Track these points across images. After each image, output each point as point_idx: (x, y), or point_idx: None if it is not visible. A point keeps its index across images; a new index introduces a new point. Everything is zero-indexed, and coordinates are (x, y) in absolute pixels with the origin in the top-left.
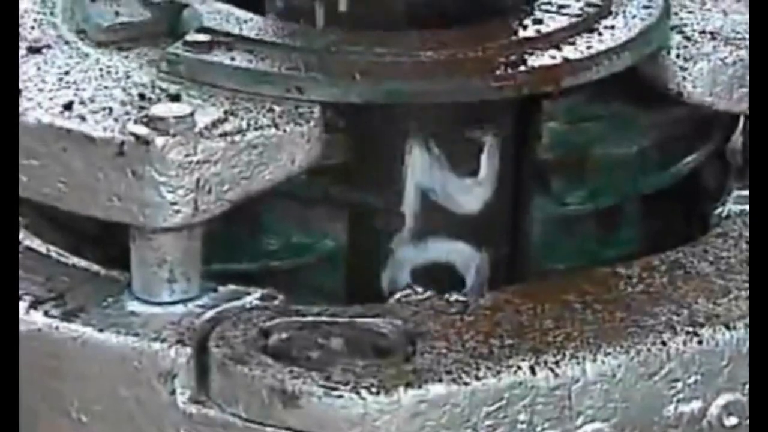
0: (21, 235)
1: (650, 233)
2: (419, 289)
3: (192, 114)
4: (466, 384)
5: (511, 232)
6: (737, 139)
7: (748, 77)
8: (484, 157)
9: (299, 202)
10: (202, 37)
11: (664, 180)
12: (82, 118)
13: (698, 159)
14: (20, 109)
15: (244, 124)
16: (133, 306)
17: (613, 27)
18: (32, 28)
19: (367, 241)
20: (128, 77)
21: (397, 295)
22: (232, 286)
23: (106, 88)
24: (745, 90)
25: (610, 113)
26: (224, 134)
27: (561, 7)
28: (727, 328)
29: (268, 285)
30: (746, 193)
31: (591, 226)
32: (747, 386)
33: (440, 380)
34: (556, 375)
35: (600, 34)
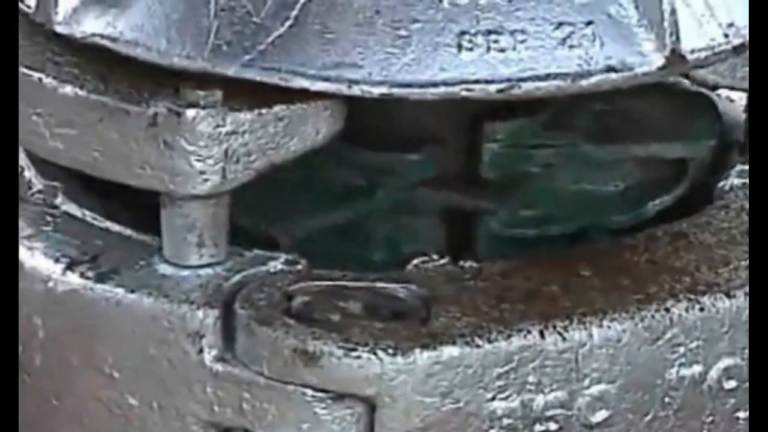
0: (59, 200)
1: None
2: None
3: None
4: (478, 346)
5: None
6: (740, 115)
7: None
8: None
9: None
10: None
11: (625, 220)
12: (116, 91)
13: (668, 202)
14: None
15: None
16: (164, 269)
17: None
18: None
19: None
20: None
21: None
22: (257, 251)
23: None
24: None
25: (561, 143)
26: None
27: None
28: (728, 296)
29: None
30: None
31: (543, 248)
32: (746, 351)
33: (454, 342)
34: (564, 339)
35: None
